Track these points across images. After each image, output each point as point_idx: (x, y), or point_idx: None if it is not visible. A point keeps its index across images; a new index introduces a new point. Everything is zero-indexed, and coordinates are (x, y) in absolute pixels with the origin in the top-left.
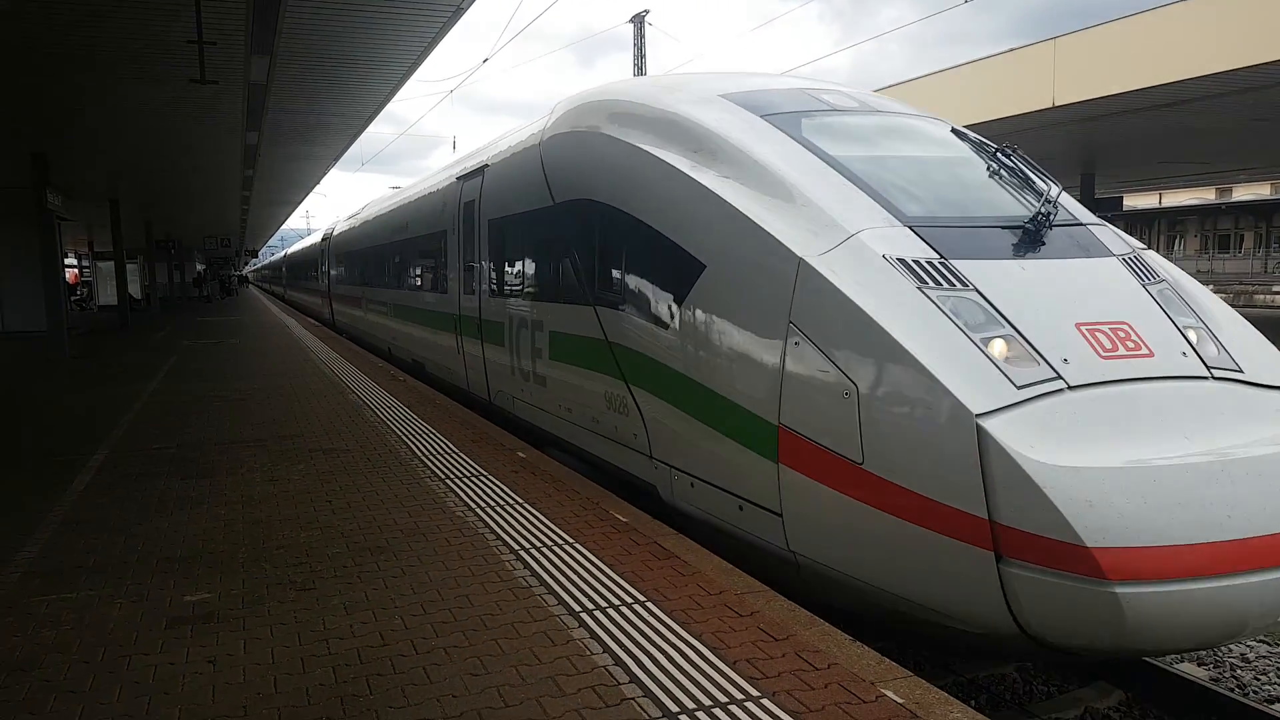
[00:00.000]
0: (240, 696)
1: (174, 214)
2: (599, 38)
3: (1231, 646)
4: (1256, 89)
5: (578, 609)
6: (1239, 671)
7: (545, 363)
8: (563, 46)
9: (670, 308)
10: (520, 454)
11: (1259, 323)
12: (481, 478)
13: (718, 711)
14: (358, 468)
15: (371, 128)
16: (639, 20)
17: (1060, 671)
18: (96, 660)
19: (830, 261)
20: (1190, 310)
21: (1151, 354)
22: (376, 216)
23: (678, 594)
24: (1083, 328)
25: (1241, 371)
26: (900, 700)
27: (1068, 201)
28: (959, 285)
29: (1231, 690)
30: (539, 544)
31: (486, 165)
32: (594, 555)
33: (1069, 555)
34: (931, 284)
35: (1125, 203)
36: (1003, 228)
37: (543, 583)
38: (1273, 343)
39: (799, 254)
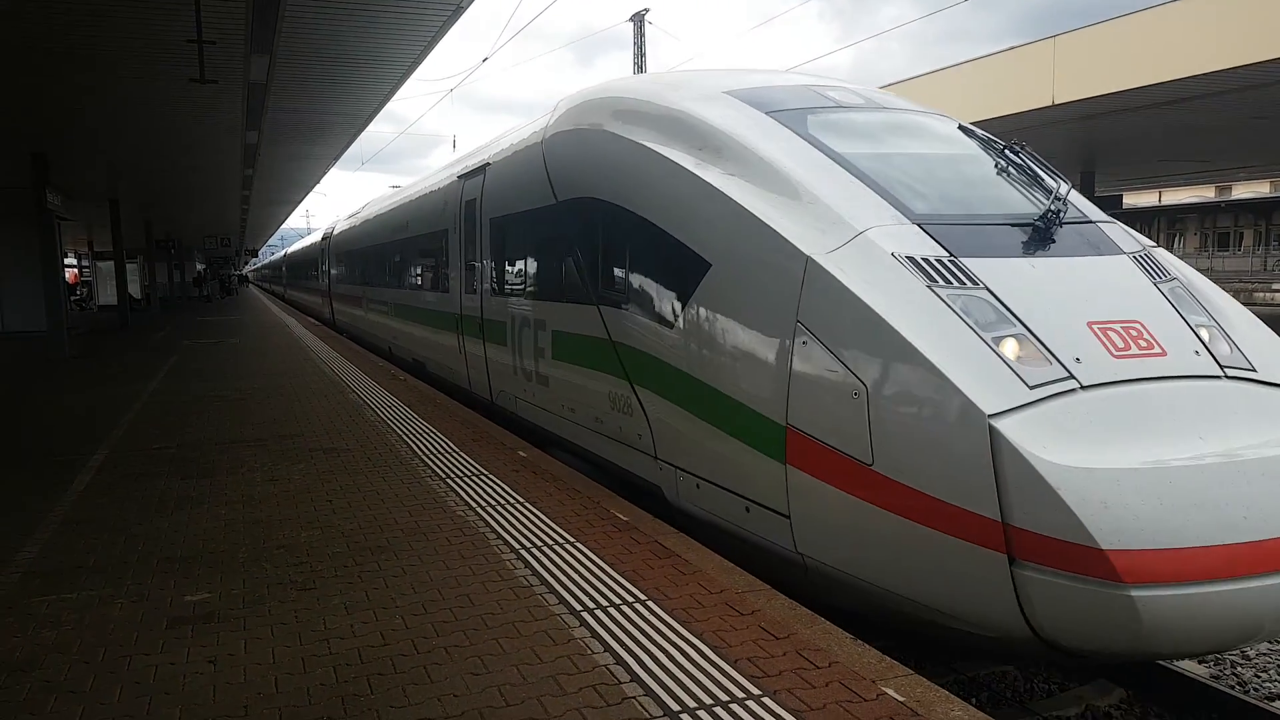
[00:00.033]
0: (241, 696)
1: (174, 214)
2: (599, 36)
3: None
4: (1256, 87)
5: (579, 608)
6: (1239, 669)
7: (548, 362)
8: (562, 45)
9: (675, 307)
10: (521, 453)
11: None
12: (482, 477)
13: (719, 710)
14: (358, 467)
15: (371, 127)
16: (639, 19)
17: (1061, 669)
18: (97, 660)
19: (838, 260)
20: (1202, 308)
21: (1164, 353)
22: (377, 215)
23: (678, 593)
24: (1094, 327)
25: (1255, 370)
26: (901, 698)
27: (1077, 199)
28: (969, 284)
29: (1232, 688)
30: (540, 543)
31: (488, 163)
32: (595, 554)
33: (1083, 558)
34: (941, 282)
35: (1125, 201)
36: (1012, 225)
37: (543, 582)
38: None
39: (806, 252)
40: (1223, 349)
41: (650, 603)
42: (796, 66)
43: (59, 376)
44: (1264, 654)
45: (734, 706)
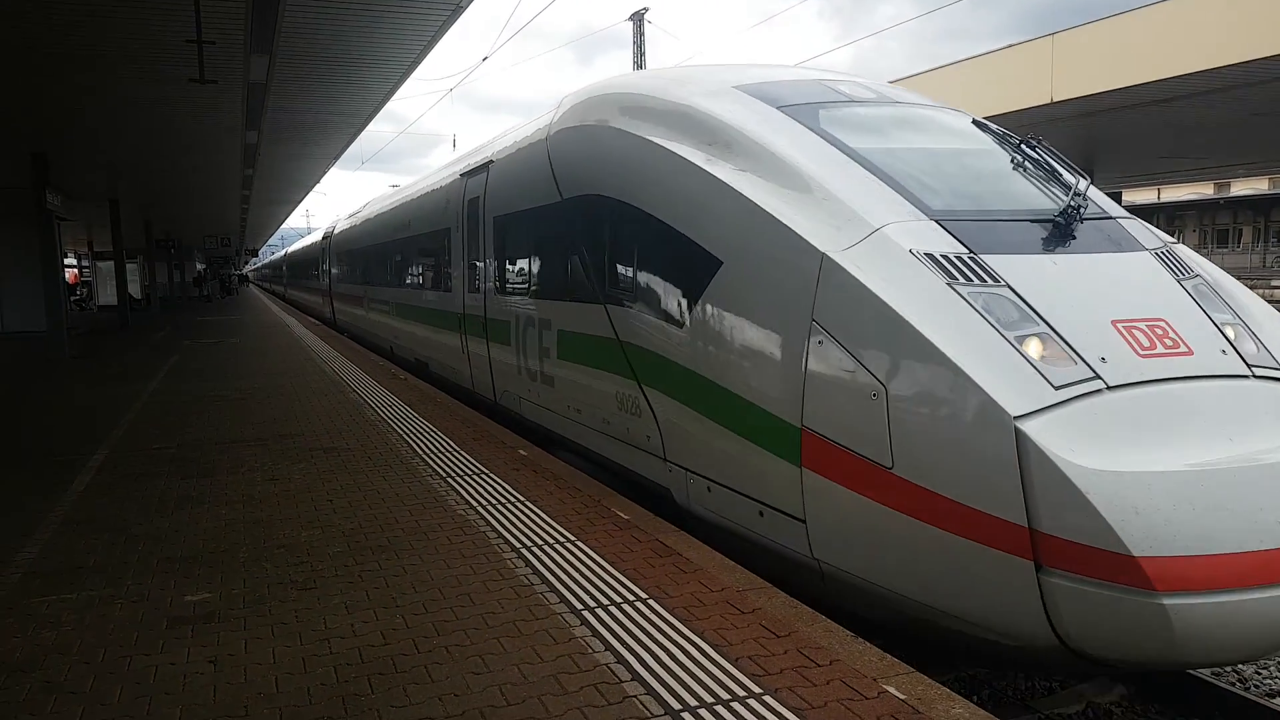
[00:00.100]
0: (242, 696)
1: (174, 213)
2: (598, 35)
3: None
4: (1254, 84)
5: (579, 607)
6: (1240, 666)
7: (553, 362)
8: (562, 44)
9: (685, 305)
10: (522, 452)
11: None
12: (483, 476)
13: (720, 709)
14: (359, 466)
15: (371, 126)
16: (638, 18)
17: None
18: (97, 661)
19: (855, 257)
20: (1227, 306)
21: (1191, 352)
22: (378, 214)
23: (679, 591)
24: (1119, 325)
25: None
26: (902, 696)
27: (1095, 194)
28: (990, 281)
29: (1233, 684)
30: (540, 542)
31: (491, 161)
32: (596, 553)
33: (1114, 565)
34: (961, 280)
35: (1124, 198)
36: (1031, 221)
37: (544, 580)
38: None
39: (822, 249)
40: (1249, 348)
41: (651, 601)
42: (797, 65)
43: (59, 376)
44: None
45: (735, 705)
